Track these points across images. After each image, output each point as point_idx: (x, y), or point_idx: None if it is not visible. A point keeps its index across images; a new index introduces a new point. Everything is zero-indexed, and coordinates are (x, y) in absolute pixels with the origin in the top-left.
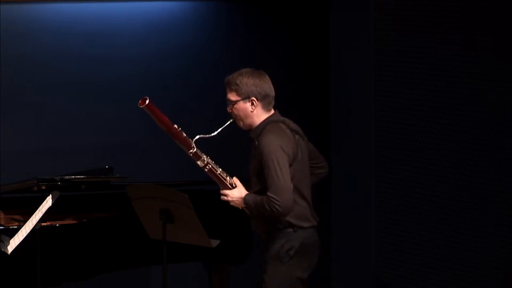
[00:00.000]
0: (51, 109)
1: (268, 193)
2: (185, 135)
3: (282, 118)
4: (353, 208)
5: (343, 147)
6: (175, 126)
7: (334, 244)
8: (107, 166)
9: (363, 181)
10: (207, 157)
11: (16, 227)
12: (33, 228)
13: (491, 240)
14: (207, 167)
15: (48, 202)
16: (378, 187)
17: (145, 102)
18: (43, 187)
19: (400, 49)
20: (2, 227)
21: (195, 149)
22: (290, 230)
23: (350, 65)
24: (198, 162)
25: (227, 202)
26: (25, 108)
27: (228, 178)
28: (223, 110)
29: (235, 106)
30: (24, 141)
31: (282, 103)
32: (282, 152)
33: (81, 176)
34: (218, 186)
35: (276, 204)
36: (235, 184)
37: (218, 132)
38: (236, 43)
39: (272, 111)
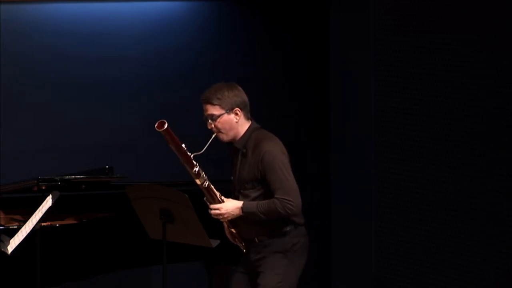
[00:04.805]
0: (51, 109)
1: (278, 196)
2: (190, 154)
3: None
4: (353, 208)
5: (343, 147)
6: (183, 145)
7: (334, 244)
8: (107, 166)
9: (363, 181)
10: (205, 174)
11: (16, 227)
12: (33, 228)
13: (491, 240)
14: (205, 183)
15: (48, 202)
16: (378, 187)
17: (163, 127)
18: (43, 187)
19: (400, 49)
20: (2, 227)
21: (198, 167)
22: (291, 227)
23: (350, 65)
24: (197, 180)
25: (219, 216)
26: (25, 108)
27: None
28: None
29: (219, 120)
30: (24, 141)
31: (282, 103)
32: (283, 156)
33: (81, 176)
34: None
35: (290, 204)
36: (222, 198)
37: (206, 148)
38: (236, 43)
39: (250, 120)
